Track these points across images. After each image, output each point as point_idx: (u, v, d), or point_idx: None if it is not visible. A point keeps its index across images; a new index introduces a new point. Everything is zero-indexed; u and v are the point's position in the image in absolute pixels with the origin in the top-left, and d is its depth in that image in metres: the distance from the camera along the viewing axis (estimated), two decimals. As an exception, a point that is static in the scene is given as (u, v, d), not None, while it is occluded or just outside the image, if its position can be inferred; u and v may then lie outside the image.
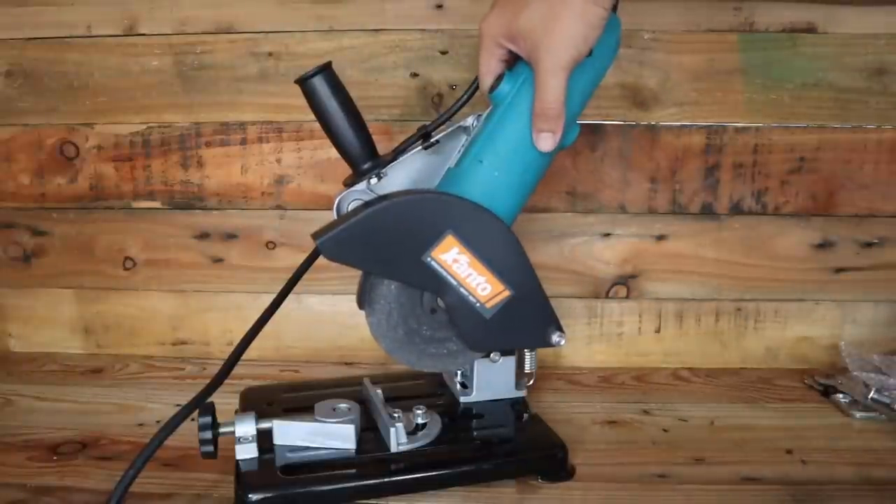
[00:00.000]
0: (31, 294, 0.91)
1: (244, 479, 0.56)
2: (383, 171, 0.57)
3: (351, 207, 0.57)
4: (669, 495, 0.60)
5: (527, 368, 0.68)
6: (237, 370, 0.85)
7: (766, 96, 0.81)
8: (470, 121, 0.59)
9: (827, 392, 0.79)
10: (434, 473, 0.59)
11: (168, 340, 0.91)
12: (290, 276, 0.64)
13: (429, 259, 0.52)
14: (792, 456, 0.66)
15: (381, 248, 0.52)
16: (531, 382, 0.68)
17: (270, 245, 0.87)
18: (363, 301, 0.57)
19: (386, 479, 0.58)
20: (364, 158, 0.57)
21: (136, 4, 0.81)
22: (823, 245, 0.85)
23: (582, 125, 0.81)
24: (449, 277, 0.53)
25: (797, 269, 0.85)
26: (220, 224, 0.87)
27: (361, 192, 0.57)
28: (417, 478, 0.59)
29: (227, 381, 0.82)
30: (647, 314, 0.88)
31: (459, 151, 0.58)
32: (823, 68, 0.80)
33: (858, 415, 0.74)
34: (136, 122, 0.84)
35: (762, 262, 0.85)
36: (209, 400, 0.58)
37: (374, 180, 0.57)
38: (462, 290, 0.53)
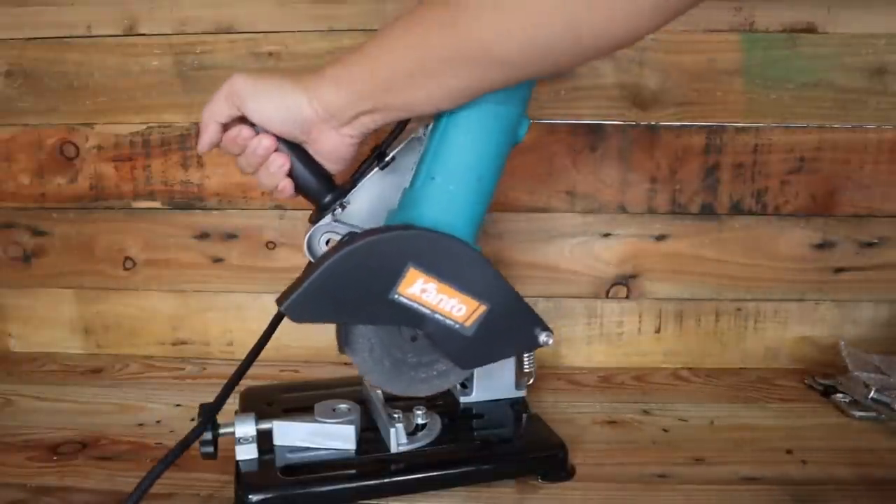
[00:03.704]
0: (31, 294, 0.91)
1: (244, 479, 0.56)
2: (345, 200, 0.57)
3: (322, 241, 0.57)
4: (669, 495, 0.60)
5: (526, 368, 0.67)
6: (237, 370, 0.86)
7: (766, 96, 0.81)
8: (421, 131, 0.58)
9: (827, 392, 0.79)
10: (434, 474, 0.59)
11: (168, 340, 0.91)
12: (265, 330, 0.63)
13: (396, 296, 0.51)
14: (791, 456, 0.66)
15: (345, 298, 0.50)
16: (531, 382, 0.68)
17: (270, 245, 0.87)
18: (342, 345, 0.56)
19: (386, 480, 0.58)
20: (323, 192, 0.56)
21: (136, 4, 0.81)
22: (823, 245, 0.85)
23: (582, 125, 0.82)
24: (421, 308, 0.52)
25: (797, 269, 0.85)
26: (220, 224, 0.87)
27: (328, 225, 0.57)
28: (417, 478, 0.59)
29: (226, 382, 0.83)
30: (646, 314, 0.88)
31: (412, 168, 0.57)
32: (823, 68, 0.80)
33: (858, 415, 0.74)
34: (136, 122, 0.84)
35: (762, 262, 0.85)
36: (209, 401, 0.59)
37: (338, 211, 0.57)
38: (437, 316, 0.52)
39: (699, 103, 0.81)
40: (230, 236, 0.87)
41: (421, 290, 0.51)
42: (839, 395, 0.77)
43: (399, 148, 0.58)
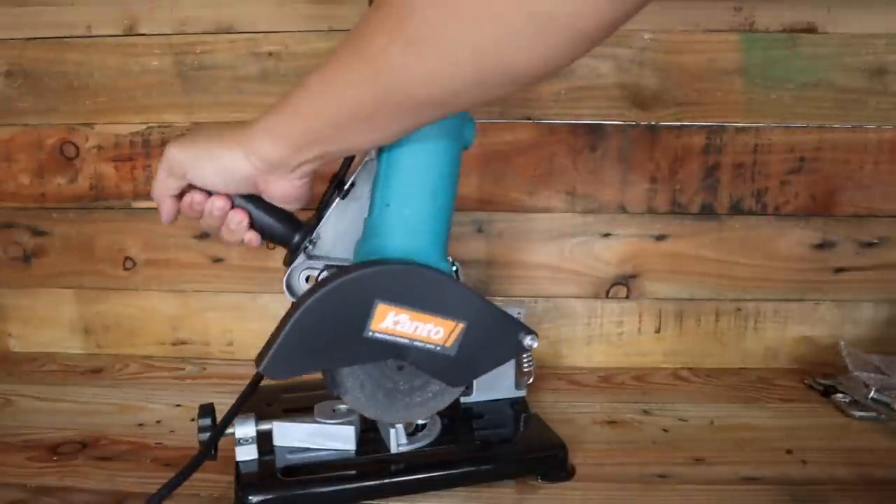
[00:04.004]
0: (31, 294, 0.91)
1: (244, 480, 0.56)
2: (313, 236, 0.57)
3: (301, 279, 0.58)
4: (669, 495, 0.60)
5: (525, 368, 0.68)
6: (236, 370, 0.86)
7: (766, 96, 0.81)
8: (373, 153, 0.58)
9: (827, 392, 0.79)
10: (434, 474, 0.59)
11: (168, 340, 0.91)
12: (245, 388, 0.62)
13: (371, 334, 0.51)
14: (792, 456, 0.66)
15: (320, 346, 0.50)
16: (530, 381, 0.68)
17: (270, 245, 0.87)
18: (332, 389, 0.56)
19: (386, 480, 0.58)
20: (291, 234, 0.56)
21: (136, 4, 0.81)
22: (823, 245, 0.85)
23: (582, 125, 0.82)
24: (399, 339, 0.51)
25: (797, 269, 0.85)
26: (220, 224, 0.87)
27: (303, 264, 0.57)
28: (418, 478, 0.59)
29: (227, 382, 0.83)
30: (647, 314, 0.88)
31: (369, 196, 0.57)
32: (823, 68, 0.80)
33: (858, 415, 0.74)
34: (136, 122, 0.84)
35: (762, 262, 0.85)
36: (209, 401, 0.59)
37: (309, 248, 0.57)
38: (417, 344, 0.52)
39: (699, 103, 0.81)
40: (230, 236, 0.87)
41: (394, 322, 0.51)
42: (839, 395, 0.77)
43: (357, 173, 0.58)
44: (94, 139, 0.85)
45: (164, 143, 0.84)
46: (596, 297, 0.87)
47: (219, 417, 0.58)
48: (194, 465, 0.55)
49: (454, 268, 0.58)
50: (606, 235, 0.85)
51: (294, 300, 0.58)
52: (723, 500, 0.60)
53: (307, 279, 0.58)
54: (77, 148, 0.86)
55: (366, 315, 0.50)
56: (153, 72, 0.83)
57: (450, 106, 0.44)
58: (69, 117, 0.85)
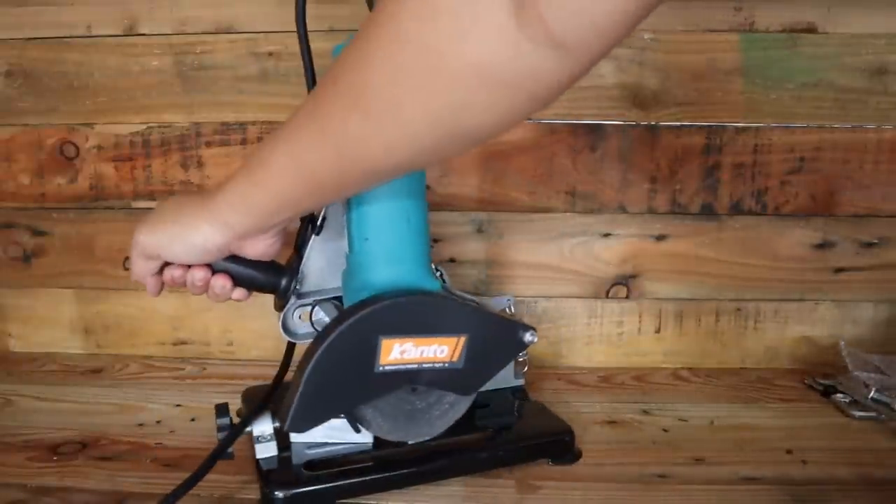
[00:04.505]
0: (31, 294, 0.91)
1: (268, 477, 0.57)
2: (298, 276, 0.59)
3: (296, 317, 0.60)
4: (669, 495, 0.60)
5: (520, 358, 0.69)
6: (237, 370, 0.86)
7: (766, 96, 0.81)
8: None
9: (827, 392, 0.79)
10: (452, 462, 0.61)
11: (168, 340, 0.91)
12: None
13: (381, 368, 0.52)
14: (792, 456, 0.66)
15: (336, 392, 0.52)
16: (525, 370, 0.70)
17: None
18: (353, 425, 0.57)
19: (406, 470, 0.59)
20: (276, 281, 0.57)
21: (136, 4, 0.81)
22: (823, 245, 0.85)
23: (582, 125, 0.82)
24: (409, 366, 0.53)
25: (797, 269, 0.85)
26: (220, 224, 0.87)
27: (294, 304, 0.59)
28: (436, 466, 0.61)
29: (227, 382, 0.83)
30: (647, 314, 0.88)
31: (345, 228, 0.58)
32: (823, 68, 0.80)
33: (858, 415, 0.74)
34: (136, 122, 0.84)
35: (762, 262, 0.85)
36: (213, 402, 0.59)
37: (297, 287, 0.59)
38: (426, 366, 0.53)
39: (699, 103, 0.81)
40: (230, 236, 0.87)
41: (400, 352, 0.52)
42: (839, 395, 0.77)
43: (325, 209, 0.59)
44: (94, 139, 0.85)
45: (164, 143, 0.85)
46: (596, 297, 0.87)
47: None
48: (211, 462, 0.57)
49: (438, 273, 0.60)
50: (606, 235, 0.85)
51: (292, 340, 0.61)
52: (723, 500, 0.60)
53: (300, 317, 0.60)
54: (77, 148, 0.86)
55: (373, 353, 0.51)
56: (153, 72, 0.83)
57: (412, 168, 0.44)
58: (69, 117, 0.85)
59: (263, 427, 0.58)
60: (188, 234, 0.52)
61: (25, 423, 0.72)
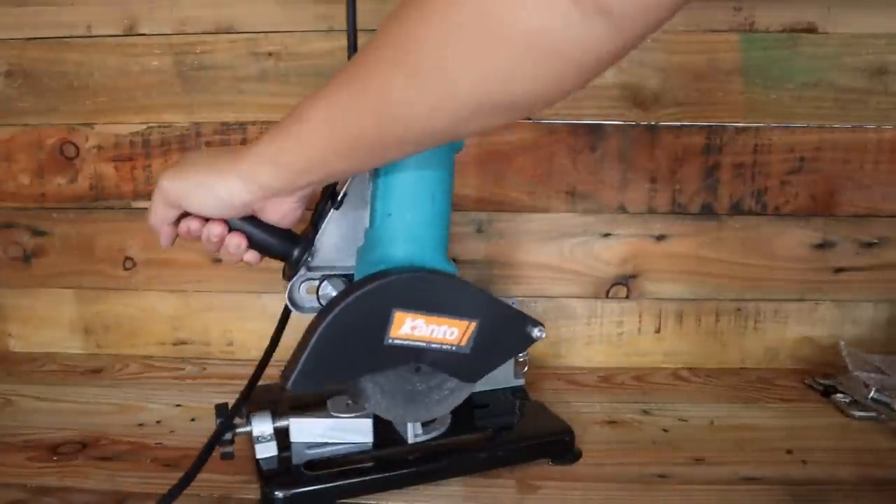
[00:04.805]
0: (31, 294, 0.91)
1: (268, 477, 0.57)
2: (312, 248, 0.58)
3: (303, 290, 0.59)
4: (669, 495, 0.60)
5: (520, 359, 0.69)
6: (237, 370, 0.86)
7: (766, 96, 0.81)
8: None
9: (827, 392, 0.79)
10: (451, 462, 0.61)
11: (168, 340, 0.91)
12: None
13: (390, 341, 0.52)
14: (792, 456, 0.66)
15: (344, 357, 0.52)
16: (525, 370, 0.70)
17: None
18: (352, 397, 0.57)
19: (407, 470, 0.60)
20: (290, 249, 0.57)
21: (136, 4, 0.81)
22: (823, 245, 0.85)
23: (582, 125, 0.82)
24: (417, 343, 0.53)
25: (797, 269, 0.85)
26: (220, 224, 0.87)
27: (303, 276, 0.59)
28: (436, 466, 0.61)
29: (227, 382, 0.83)
30: (647, 314, 0.88)
31: (368, 203, 0.58)
32: (823, 68, 0.80)
33: (858, 415, 0.74)
34: (136, 122, 0.84)
35: (762, 262, 0.85)
36: (223, 402, 0.59)
37: (309, 259, 0.58)
38: (434, 346, 0.54)
39: (699, 103, 0.81)
40: (230, 236, 0.87)
41: (411, 327, 0.52)
42: (839, 395, 0.77)
43: (348, 184, 0.59)
44: (94, 139, 0.85)
45: (164, 143, 0.85)
46: (596, 297, 0.87)
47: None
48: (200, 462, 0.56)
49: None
50: (606, 235, 0.85)
51: (296, 311, 0.60)
52: (723, 500, 0.60)
53: (307, 290, 0.60)
54: (77, 148, 0.86)
55: (384, 324, 0.52)
56: (153, 72, 0.83)
57: (451, 136, 0.44)
58: (69, 117, 0.85)
59: (263, 427, 0.59)
60: (214, 185, 0.51)
61: (25, 423, 0.72)
